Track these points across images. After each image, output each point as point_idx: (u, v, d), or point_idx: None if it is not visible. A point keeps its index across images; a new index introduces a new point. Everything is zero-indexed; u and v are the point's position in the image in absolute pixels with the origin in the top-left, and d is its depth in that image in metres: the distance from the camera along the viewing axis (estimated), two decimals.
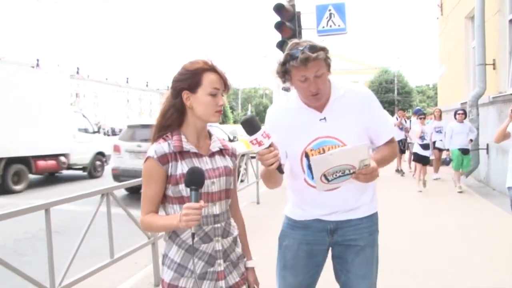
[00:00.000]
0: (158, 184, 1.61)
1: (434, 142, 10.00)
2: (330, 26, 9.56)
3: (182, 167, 1.59)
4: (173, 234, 1.64)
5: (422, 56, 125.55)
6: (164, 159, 1.59)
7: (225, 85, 1.67)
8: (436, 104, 17.68)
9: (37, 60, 44.01)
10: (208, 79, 1.60)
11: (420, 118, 9.25)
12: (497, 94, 8.60)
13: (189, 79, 1.61)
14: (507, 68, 8.60)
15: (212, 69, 1.63)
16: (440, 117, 10.51)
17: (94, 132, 13.21)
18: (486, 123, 9.29)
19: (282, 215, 2.12)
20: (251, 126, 1.57)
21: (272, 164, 1.58)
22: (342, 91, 1.88)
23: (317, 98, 1.81)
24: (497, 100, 8.61)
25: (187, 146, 1.63)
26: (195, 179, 1.49)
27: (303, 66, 1.70)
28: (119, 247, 3.61)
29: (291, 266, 2.01)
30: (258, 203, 7.80)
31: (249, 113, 57.34)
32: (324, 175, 1.73)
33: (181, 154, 1.61)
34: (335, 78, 1.91)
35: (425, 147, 8.95)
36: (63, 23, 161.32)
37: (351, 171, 1.72)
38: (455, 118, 8.56)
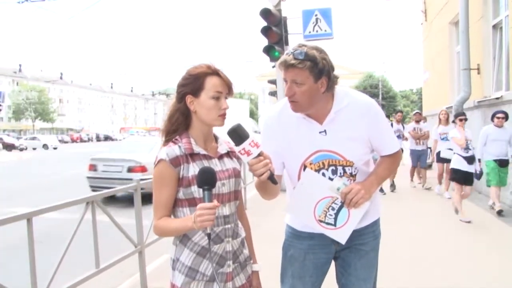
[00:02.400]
0: (171, 187, 1.60)
1: (438, 153, 8.47)
2: (317, 31, 9.60)
3: (194, 169, 1.59)
4: (185, 238, 1.63)
5: (406, 61, 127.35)
6: (176, 161, 1.59)
7: (229, 89, 1.67)
8: (420, 109, 17.71)
9: (20, 65, 43.28)
10: (211, 83, 1.62)
11: (460, 120, 6.61)
12: (482, 99, 8.71)
13: (192, 84, 1.62)
14: (492, 73, 8.73)
15: (215, 73, 1.64)
16: (447, 121, 8.45)
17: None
18: (471, 127, 9.35)
19: (283, 223, 2.06)
20: (238, 135, 1.51)
21: (263, 174, 1.51)
22: (346, 102, 1.78)
23: (292, 104, 1.73)
24: (482, 105, 8.72)
25: (197, 148, 1.64)
26: (207, 179, 1.49)
27: (284, 68, 1.69)
28: (105, 256, 3.50)
29: (299, 276, 1.95)
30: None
31: None
32: (320, 220, 1.79)
33: (192, 156, 1.62)
34: (340, 87, 1.82)
35: (470, 160, 6.35)
36: (46, 27, 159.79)
37: (340, 202, 1.76)
38: (492, 121, 6.68)
